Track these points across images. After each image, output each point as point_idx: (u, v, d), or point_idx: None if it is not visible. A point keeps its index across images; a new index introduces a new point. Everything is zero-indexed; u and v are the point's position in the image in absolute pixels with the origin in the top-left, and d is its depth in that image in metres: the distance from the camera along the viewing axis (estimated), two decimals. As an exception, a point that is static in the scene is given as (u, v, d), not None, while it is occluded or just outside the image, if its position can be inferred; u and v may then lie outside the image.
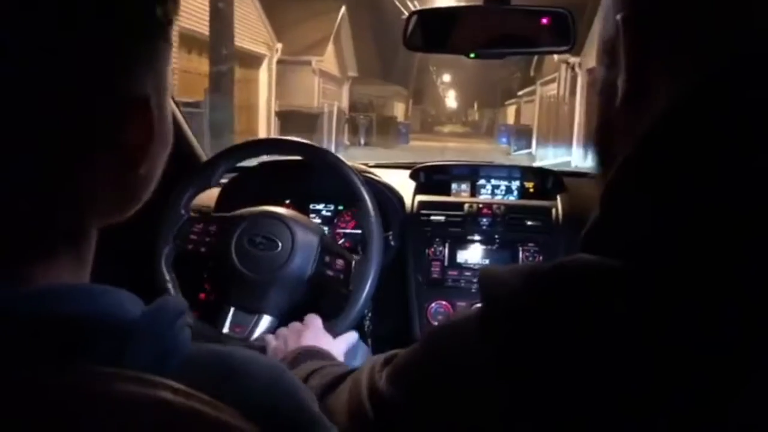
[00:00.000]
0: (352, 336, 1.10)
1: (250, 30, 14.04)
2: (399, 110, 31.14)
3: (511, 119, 29.56)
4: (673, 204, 0.38)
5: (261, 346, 1.07)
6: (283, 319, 1.16)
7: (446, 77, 44.16)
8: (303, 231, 1.20)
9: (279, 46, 15.92)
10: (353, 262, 1.17)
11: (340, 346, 1.05)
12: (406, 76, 32.36)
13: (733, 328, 0.35)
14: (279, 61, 16.27)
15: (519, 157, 18.36)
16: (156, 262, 1.20)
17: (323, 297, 1.24)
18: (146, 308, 0.37)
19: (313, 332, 1.03)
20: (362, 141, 20.33)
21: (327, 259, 1.19)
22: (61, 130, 0.35)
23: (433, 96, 43.93)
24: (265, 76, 15.92)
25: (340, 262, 1.18)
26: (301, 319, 1.09)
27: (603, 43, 0.48)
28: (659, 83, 0.42)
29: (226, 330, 1.16)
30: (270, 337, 1.06)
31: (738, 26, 0.40)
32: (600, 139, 0.49)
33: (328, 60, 19.15)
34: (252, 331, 1.15)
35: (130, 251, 1.36)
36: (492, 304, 0.43)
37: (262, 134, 14.06)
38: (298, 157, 1.28)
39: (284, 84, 16.76)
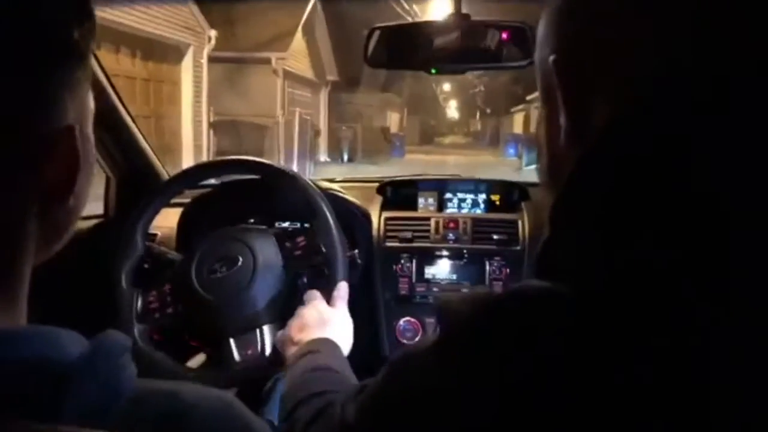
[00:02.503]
0: (344, 290, 1.09)
1: (164, 10, 9.75)
2: (393, 120, 27.20)
3: (518, 128, 25.13)
4: (600, 230, 0.41)
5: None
6: (281, 318, 1.13)
7: (446, 86, 42.88)
8: (257, 238, 1.18)
9: (212, 33, 11.52)
10: (311, 228, 1.17)
11: (346, 324, 1.04)
12: (400, 82, 28.48)
13: (658, 360, 0.37)
14: (218, 58, 12.17)
15: (532, 173, 16.54)
16: (115, 287, 1.17)
17: (305, 277, 1.21)
18: (86, 347, 0.35)
19: (318, 316, 1.00)
20: (345, 157, 17.21)
21: (288, 244, 1.18)
22: None
23: (434, 106, 42.34)
24: (188, 74, 11.33)
25: (299, 238, 1.18)
26: (301, 303, 1.07)
27: (540, 84, 0.49)
28: (593, 119, 0.44)
29: (237, 359, 1.11)
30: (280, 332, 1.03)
31: (657, 54, 0.42)
32: (551, 175, 0.50)
33: (295, 59, 15.28)
34: (264, 345, 1.11)
35: (92, 271, 1.33)
36: (446, 332, 0.45)
37: (185, 153, 10.82)
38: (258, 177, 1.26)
39: (232, 87, 12.93)
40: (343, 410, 0.54)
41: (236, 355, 1.12)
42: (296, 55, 15.39)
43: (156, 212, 1.23)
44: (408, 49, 1.12)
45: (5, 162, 0.34)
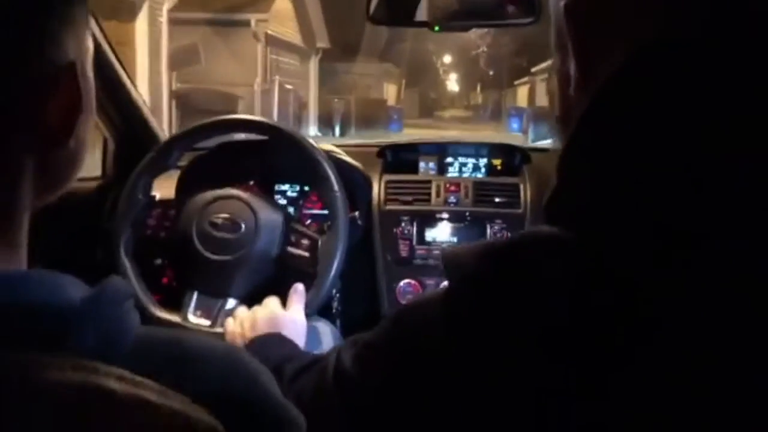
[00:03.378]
0: (300, 292, 1.06)
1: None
2: (390, 92, 25.71)
3: (522, 101, 23.45)
4: (608, 174, 0.40)
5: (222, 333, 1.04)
6: (249, 302, 1.14)
7: (447, 58, 41.57)
8: (266, 211, 1.17)
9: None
10: (319, 241, 1.15)
11: (299, 325, 1.00)
12: (398, 52, 26.96)
13: (653, 303, 0.37)
14: (190, 20, 10.63)
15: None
16: (114, 250, 1.17)
17: (290, 277, 1.21)
18: (89, 291, 0.34)
19: (270, 315, 0.98)
20: (337, 131, 15.86)
21: (292, 238, 1.17)
22: None
23: (434, 78, 41.08)
24: (143, 35, 9.41)
25: (305, 241, 1.16)
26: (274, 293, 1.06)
27: (554, 32, 0.48)
28: (603, 66, 0.43)
29: (190, 315, 1.12)
30: (228, 321, 1.02)
31: (664, 11, 0.41)
32: (563, 125, 0.49)
33: (280, 22, 13.62)
34: (218, 316, 1.12)
35: (90, 233, 1.32)
36: (453, 284, 0.44)
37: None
38: (261, 137, 1.25)
39: (206, 53, 10.99)
40: (338, 358, 0.52)
41: (190, 311, 1.12)
42: (281, 19, 13.76)
43: (156, 172, 1.22)
44: (410, 6, 1.10)
45: (7, 99, 0.33)
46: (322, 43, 16.86)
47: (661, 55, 0.39)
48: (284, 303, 1.03)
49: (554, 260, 0.40)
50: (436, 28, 1.09)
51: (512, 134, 17.72)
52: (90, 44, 0.40)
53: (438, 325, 0.43)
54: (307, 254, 1.15)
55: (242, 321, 0.99)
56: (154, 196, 1.24)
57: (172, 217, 1.19)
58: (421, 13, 1.09)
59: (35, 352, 0.30)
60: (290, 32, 14.82)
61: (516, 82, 26.83)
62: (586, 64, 0.44)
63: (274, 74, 13.54)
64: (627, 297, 0.37)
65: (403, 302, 1.39)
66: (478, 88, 42.97)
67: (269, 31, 13.05)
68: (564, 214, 0.42)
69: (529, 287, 0.40)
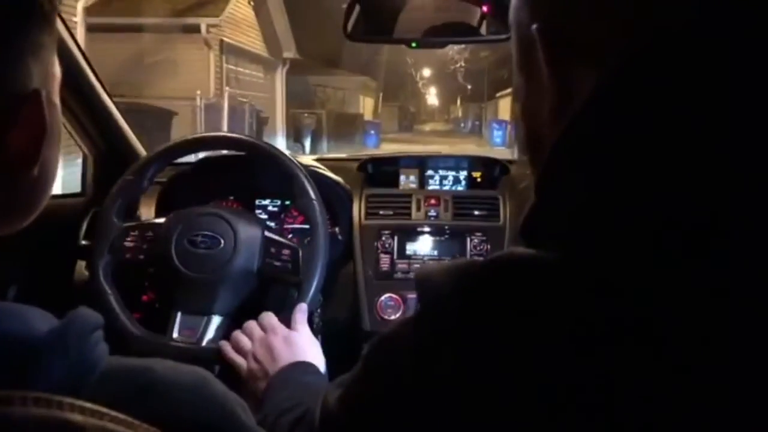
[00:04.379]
0: (303, 311, 1.07)
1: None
2: (367, 106, 24.39)
3: (504, 113, 22.80)
4: (598, 189, 0.39)
5: (214, 349, 1.04)
6: (233, 318, 1.13)
7: (426, 72, 40.82)
8: (244, 225, 1.17)
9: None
10: (300, 251, 1.15)
11: (304, 335, 1.02)
12: (376, 64, 25.95)
13: (649, 321, 0.35)
14: (126, 27, 9.29)
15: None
16: (93, 274, 1.16)
17: (273, 289, 1.21)
18: (56, 324, 0.34)
19: (283, 340, 0.98)
20: (306, 147, 14.54)
21: (272, 250, 1.16)
22: None
23: (413, 92, 40.88)
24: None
25: (286, 251, 1.16)
26: (253, 316, 1.05)
27: (519, 56, 0.46)
28: (579, 88, 0.42)
29: (175, 335, 1.11)
30: (240, 360, 0.99)
31: (638, 22, 0.40)
32: (532, 146, 0.48)
33: (239, 30, 12.22)
34: (203, 334, 1.11)
35: (68, 252, 1.31)
36: (426, 306, 0.42)
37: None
38: (239, 152, 1.25)
39: (144, 62, 9.96)
40: (324, 404, 0.51)
41: (175, 331, 1.11)
42: (241, 26, 12.42)
43: (131, 195, 1.22)
44: (387, 23, 1.11)
45: None
46: (289, 53, 15.57)
47: (642, 68, 0.38)
48: (275, 312, 1.05)
49: (533, 280, 0.38)
50: (414, 45, 1.10)
51: (496, 149, 17.07)
52: (57, 70, 0.39)
53: (409, 354, 0.42)
54: (289, 265, 1.15)
55: (254, 354, 0.97)
56: (132, 218, 1.23)
57: (149, 239, 1.18)
58: (399, 30, 1.10)
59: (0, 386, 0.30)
60: (253, 41, 13.36)
61: (498, 94, 26.11)
62: (560, 84, 0.43)
63: (232, 86, 11.96)
64: (634, 308, 0.36)
65: (385, 316, 1.40)
66: (458, 101, 42.92)
67: (226, 39, 11.49)
68: (545, 234, 0.41)
69: (508, 310, 0.38)
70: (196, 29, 10.42)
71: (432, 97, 48.83)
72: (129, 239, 1.19)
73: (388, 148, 16.59)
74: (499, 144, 17.51)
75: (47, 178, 0.39)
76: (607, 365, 0.36)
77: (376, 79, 26.66)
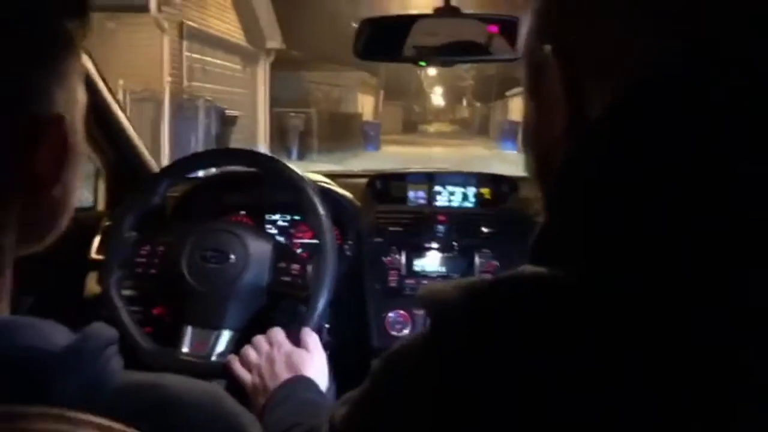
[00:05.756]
0: (312, 332, 1.07)
1: None
2: (366, 105, 22.54)
3: (515, 114, 20.44)
4: (598, 216, 0.38)
5: (223, 364, 1.04)
6: (243, 333, 1.14)
7: (432, 71, 39.68)
8: (254, 240, 1.18)
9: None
10: (309, 266, 1.16)
11: (311, 354, 1.02)
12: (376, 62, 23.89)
13: (672, 342, 0.35)
14: None
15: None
16: (105, 289, 1.17)
17: (282, 304, 1.22)
18: (72, 339, 0.35)
19: (285, 356, 0.99)
20: (293, 153, 12.92)
21: (282, 264, 1.17)
22: None
23: (418, 91, 39.05)
24: None
25: (295, 266, 1.17)
26: (263, 331, 1.06)
27: (531, 80, 0.46)
28: (593, 106, 0.41)
29: (185, 349, 1.12)
30: (246, 375, 1.00)
31: (653, 40, 0.40)
32: (542, 168, 0.47)
33: (208, 13, 10.33)
34: (213, 348, 1.12)
35: (81, 265, 1.32)
36: (435, 327, 0.42)
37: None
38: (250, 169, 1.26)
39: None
40: (330, 423, 0.50)
41: (185, 345, 1.12)
42: (209, 8, 10.36)
43: (142, 210, 1.22)
44: (397, 42, 1.12)
45: None
46: (274, 43, 12.99)
47: (657, 85, 0.38)
48: (284, 327, 1.05)
49: (548, 301, 0.38)
50: (423, 63, 1.11)
51: (506, 152, 15.84)
52: (82, 96, 0.40)
53: (423, 372, 0.41)
54: (298, 280, 1.16)
55: (259, 368, 0.98)
56: (144, 232, 1.24)
57: (161, 254, 1.19)
58: (409, 50, 1.11)
59: (16, 401, 0.30)
60: (227, 27, 11.11)
61: (508, 93, 23.84)
62: (574, 102, 0.43)
63: (198, 80, 10.01)
64: (651, 327, 0.35)
65: (393, 332, 1.40)
66: (464, 102, 42.13)
67: (188, 22, 9.25)
68: (556, 252, 0.40)
69: (521, 331, 0.38)
70: (143, 8, 8.30)
71: (437, 97, 47.92)
72: (140, 254, 1.20)
73: (387, 151, 16.17)
74: (510, 147, 16.10)
75: (68, 200, 0.39)
76: (624, 384, 0.35)
77: (376, 76, 24.13)
